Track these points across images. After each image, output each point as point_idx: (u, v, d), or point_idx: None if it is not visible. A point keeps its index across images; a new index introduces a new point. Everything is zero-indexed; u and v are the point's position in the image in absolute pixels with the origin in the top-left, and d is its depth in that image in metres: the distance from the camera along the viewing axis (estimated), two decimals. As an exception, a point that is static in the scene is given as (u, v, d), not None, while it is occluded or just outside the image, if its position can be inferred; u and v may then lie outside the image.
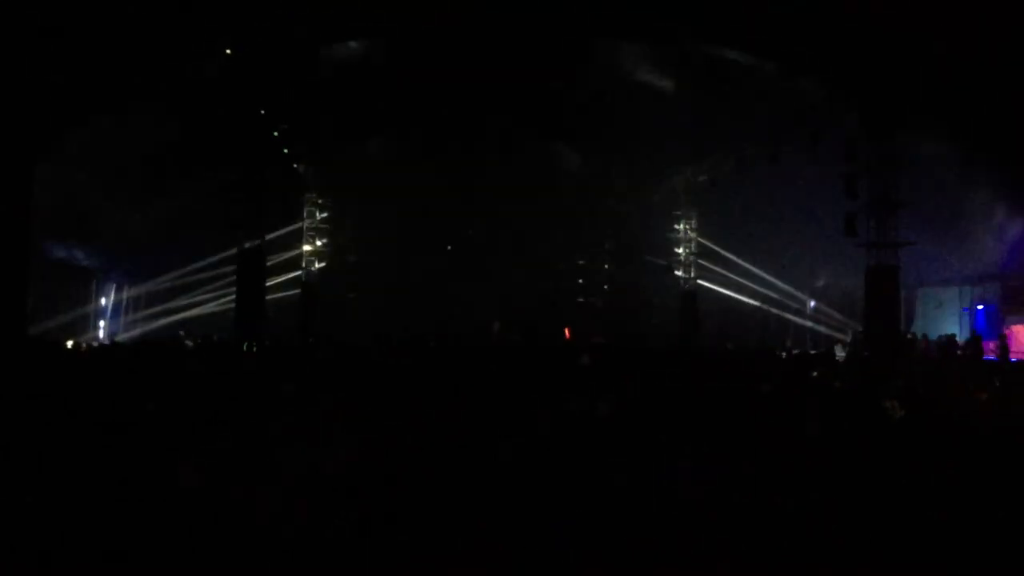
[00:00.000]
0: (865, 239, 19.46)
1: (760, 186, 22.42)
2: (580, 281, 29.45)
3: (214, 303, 24.27)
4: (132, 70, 16.22)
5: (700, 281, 27.14)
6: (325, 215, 26.26)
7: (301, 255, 25.78)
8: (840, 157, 19.82)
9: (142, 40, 15.49)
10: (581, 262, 29.35)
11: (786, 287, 25.56)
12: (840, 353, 20.62)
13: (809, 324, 25.80)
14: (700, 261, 27.23)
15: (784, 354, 19.03)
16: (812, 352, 20.91)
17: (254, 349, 18.05)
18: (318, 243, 26.16)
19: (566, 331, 25.54)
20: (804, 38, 17.79)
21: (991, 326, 21.14)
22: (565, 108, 22.11)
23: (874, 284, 19.39)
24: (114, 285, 24.74)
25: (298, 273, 25.63)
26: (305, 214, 25.76)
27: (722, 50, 18.72)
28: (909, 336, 21.28)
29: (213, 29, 16.21)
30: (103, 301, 24.42)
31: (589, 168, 25.81)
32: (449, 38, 18.44)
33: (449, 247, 27.58)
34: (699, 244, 27.28)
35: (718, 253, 26.53)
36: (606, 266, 29.55)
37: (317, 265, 26.07)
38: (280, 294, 24.67)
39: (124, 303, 25.08)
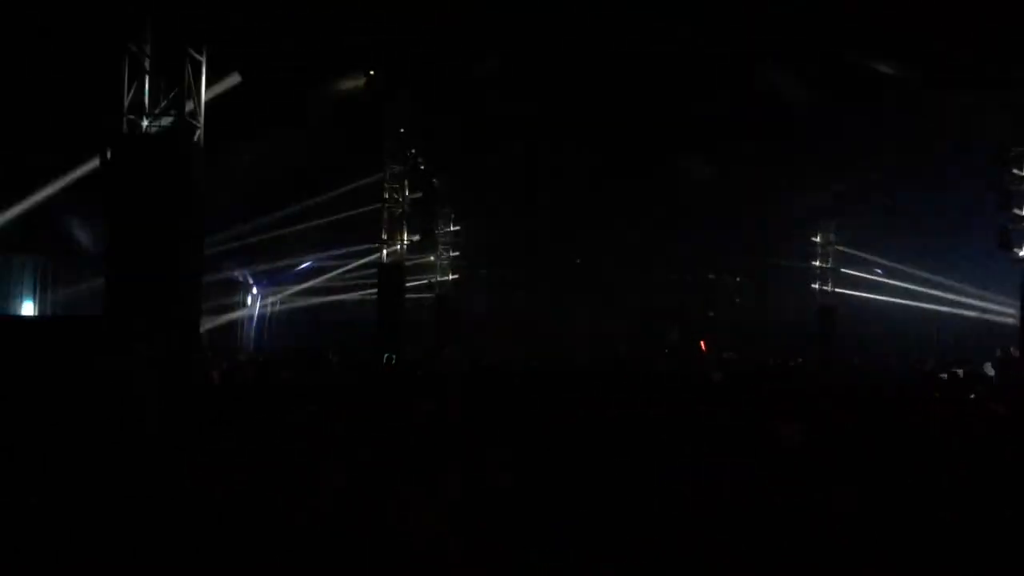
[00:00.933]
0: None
1: (907, 198, 21.63)
2: (710, 295, 29.01)
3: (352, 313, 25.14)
4: (279, 91, 16.99)
5: (839, 290, 26.31)
6: (457, 228, 26.73)
7: (435, 268, 26.31)
8: (993, 167, 18.96)
9: (288, 62, 16.23)
10: (711, 276, 28.90)
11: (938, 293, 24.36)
12: (990, 372, 19.62)
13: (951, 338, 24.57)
14: (842, 270, 26.38)
15: (928, 370, 18.24)
16: (958, 371, 19.92)
17: (393, 362, 18.53)
18: (451, 253, 26.64)
19: (702, 344, 25.21)
20: (952, 42, 17.07)
21: None
22: (697, 119, 21.85)
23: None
24: (260, 295, 25.92)
25: (427, 280, 26.12)
26: (439, 227, 26.30)
27: (867, 58, 18.13)
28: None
29: (359, 49, 16.80)
30: (251, 310, 25.62)
31: (721, 180, 25.40)
32: (578, 49, 18.52)
33: (578, 260, 27.65)
34: (838, 254, 26.46)
35: (861, 259, 25.67)
36: (737, 279, 29.00)
37: (450, 276, 26.56)
38: (414, 295, 25.15)
39: (268, 314, 26.23)
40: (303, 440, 6.47)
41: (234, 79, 12.73)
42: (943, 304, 24.56)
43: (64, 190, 14.39)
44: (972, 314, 24.25)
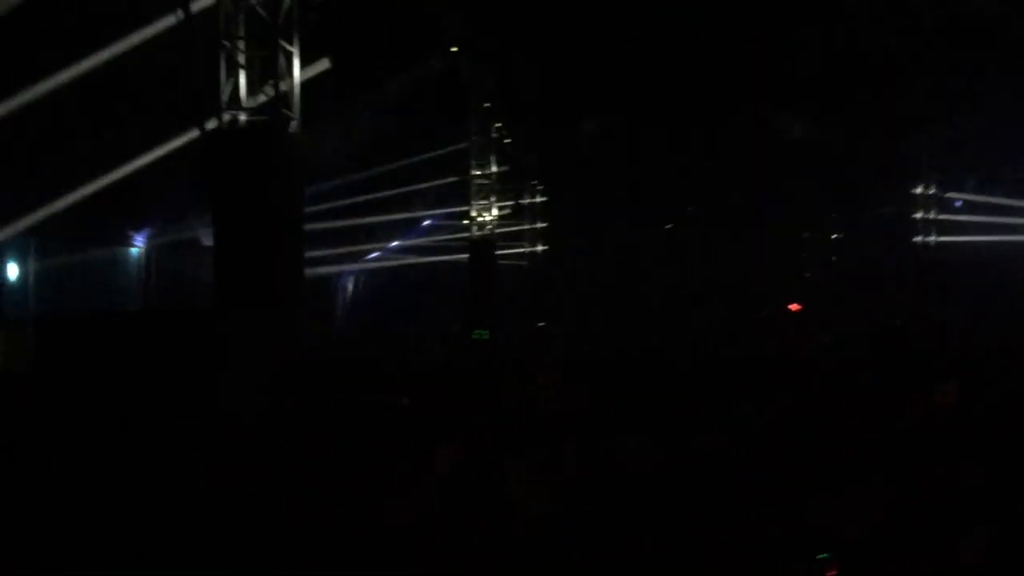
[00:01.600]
0: None
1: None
2: (804, 255, 28.13)
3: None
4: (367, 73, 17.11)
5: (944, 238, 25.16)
6: (544, 200, 26.59)
7: (523, 237, 26.19)
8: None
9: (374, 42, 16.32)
10: (806, 235, 28.06)
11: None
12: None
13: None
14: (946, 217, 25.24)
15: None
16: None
17: (485, 338, 18.57)
18: (538, 224, 26.53)
19: (793, 306, 24.58)
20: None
21: None
22: (787, 72, 21.15)
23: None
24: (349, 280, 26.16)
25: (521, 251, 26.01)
26: (525, 198, 26.17)
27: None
28: None
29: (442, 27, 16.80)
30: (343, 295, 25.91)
31: (814, 135, 24.55)
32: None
33: (669, 226, 27.19)
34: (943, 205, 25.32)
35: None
36: (833, 236, 28.08)
37: (540, 247, 26.46)
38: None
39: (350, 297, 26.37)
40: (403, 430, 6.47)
41: (323, 64, 12.87)
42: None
43: (165, 185, 14.77)
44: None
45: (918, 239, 25.53)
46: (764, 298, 23.55)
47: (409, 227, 23.84)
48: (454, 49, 17.62)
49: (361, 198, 20.78)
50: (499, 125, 20.97)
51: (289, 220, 10.34)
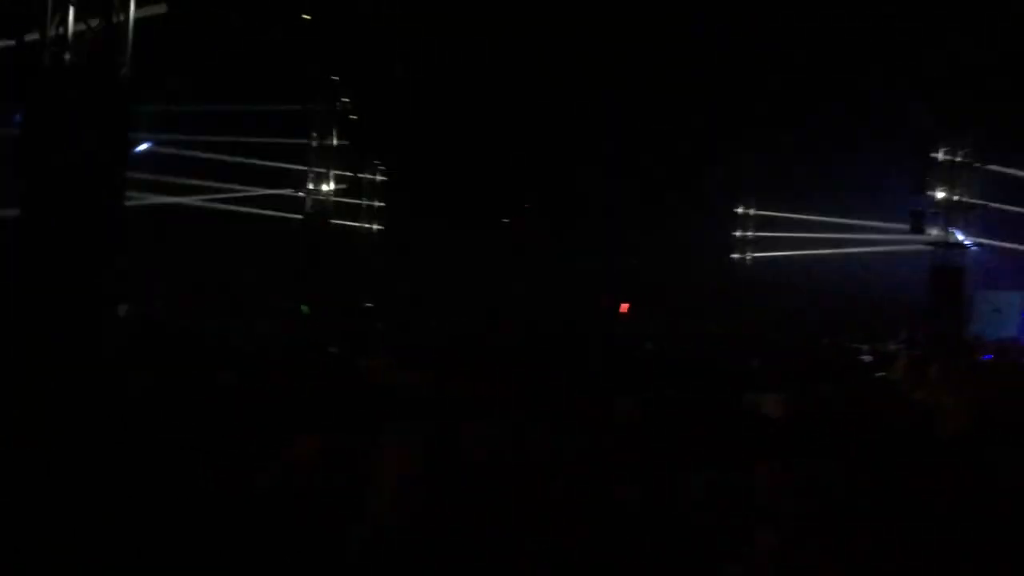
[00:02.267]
0: (930, 237, 19.34)
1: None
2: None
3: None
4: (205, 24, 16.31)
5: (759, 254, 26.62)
6: (384, 179, 26.17)
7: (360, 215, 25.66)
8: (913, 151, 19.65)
9: None
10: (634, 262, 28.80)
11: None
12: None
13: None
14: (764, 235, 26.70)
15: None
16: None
17: (307, 313, 18.12)
18: (376, 203, 26.05)
19: (623, 306, 25.35)
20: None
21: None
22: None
23: (939, 284, 19.20)
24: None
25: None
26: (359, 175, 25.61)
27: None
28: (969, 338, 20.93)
29: None
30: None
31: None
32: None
33: (505, 220, 27.42)
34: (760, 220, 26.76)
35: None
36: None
37: (375, 227, 26.03)
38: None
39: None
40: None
41: (160, 8, 12.09)
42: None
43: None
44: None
45: (736, 256, 27.06)
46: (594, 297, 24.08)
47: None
48: (306, 17, 17.05)
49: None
50: (345, 100, 20.49)
51: (113, 172, 9.65)
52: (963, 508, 4.17)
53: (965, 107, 18.77)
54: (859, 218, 22.69)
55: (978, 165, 19.35)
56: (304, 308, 18.51)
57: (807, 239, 25.20)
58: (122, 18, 9.83)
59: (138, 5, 10.26)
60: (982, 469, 4.41)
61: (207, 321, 14.62)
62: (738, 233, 27.22)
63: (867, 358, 18.86)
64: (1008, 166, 19.64)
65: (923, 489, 4.29)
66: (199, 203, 19.80)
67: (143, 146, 19.08)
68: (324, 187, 20.55)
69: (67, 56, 9.44)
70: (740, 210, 27.18)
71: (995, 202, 19.73)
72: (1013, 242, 20.54)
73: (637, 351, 12.74)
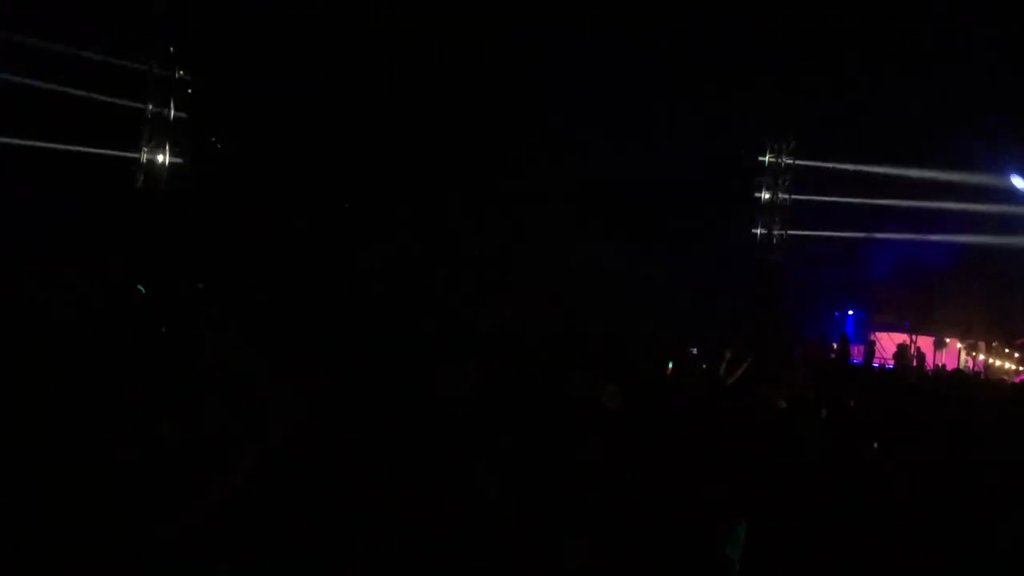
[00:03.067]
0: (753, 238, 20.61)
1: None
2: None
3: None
4: None
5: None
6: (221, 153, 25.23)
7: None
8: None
9: None
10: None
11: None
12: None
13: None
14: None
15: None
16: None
17: (142, 291, 17.36)
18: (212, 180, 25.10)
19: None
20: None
21: (859, 333, 22.51)
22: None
23: (761, 282, 20.49)
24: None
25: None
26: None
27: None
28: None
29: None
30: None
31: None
32: None
33: (346, 204, 26.85)
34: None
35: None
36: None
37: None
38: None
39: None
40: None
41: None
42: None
43: None
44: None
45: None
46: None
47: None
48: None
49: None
50: (183, 73, 19.66)
51: None
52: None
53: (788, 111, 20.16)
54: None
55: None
56: (140, 287, 17.74)
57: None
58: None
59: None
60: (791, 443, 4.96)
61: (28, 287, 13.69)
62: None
63: (694, 350, 20.07)
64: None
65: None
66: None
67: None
68: (159, 158, 19.69)
69: None
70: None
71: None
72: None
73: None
